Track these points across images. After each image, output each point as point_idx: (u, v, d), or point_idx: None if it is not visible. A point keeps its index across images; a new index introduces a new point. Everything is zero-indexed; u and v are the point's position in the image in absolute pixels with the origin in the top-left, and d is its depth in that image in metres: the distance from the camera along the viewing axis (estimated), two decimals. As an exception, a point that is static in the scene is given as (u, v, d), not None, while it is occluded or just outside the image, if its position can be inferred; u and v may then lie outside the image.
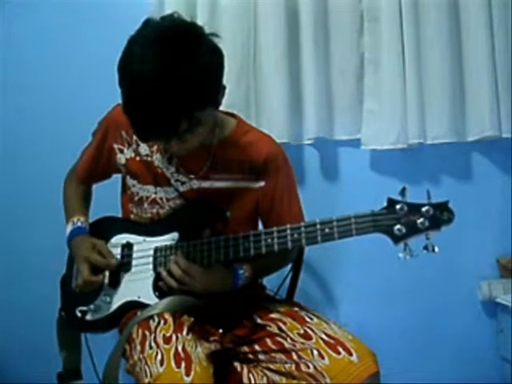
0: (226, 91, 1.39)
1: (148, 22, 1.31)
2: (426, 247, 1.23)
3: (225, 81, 1.37)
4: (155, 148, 1.52)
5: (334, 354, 1.33)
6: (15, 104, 2.14)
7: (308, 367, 1.34)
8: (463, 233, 2.06)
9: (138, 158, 1.54)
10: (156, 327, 1.36)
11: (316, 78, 2.08)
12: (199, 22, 1.37)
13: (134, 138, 1.52)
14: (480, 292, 2.23)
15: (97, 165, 1.61)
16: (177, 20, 1.32)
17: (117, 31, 2.07)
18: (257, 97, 2.10)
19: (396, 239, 1.25)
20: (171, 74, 1.22)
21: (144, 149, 1.53)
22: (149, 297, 1.46)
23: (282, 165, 1.56)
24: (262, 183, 1.52)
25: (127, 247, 1.54)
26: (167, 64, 1.22)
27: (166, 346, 1.29)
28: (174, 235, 1.49)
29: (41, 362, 2.02)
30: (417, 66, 2.08)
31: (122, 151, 1.55)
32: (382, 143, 2.12)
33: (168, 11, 1.94)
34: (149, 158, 1.53)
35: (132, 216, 1.57)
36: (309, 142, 2.11)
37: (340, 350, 1.33)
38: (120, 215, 1.64)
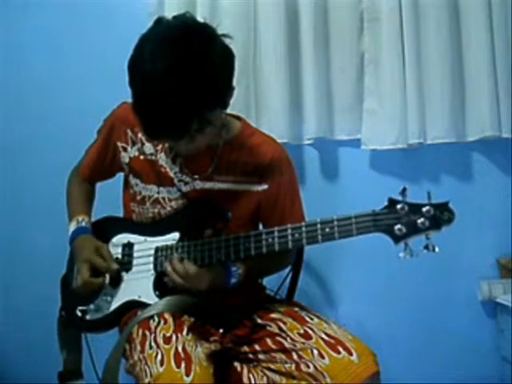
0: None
1: (160, 21, 1.31)
2: (426, 247, 1.23)
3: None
4: (160, 147, 1.52)
5: (334, 354, 1.33)
6: (16, 104, 2.15)
7: (308, 367, 1.34)
8: (463, 233, 2.07)
9: (142, 157, 1.54)
10: (156, 327, 1.36)
11: (316, 78, 2.08)
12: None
13: (139, 136, 1.53)
14: (480, 292, 2.23)
15: (101, 163, 1.61)
16: (189, 20, 1.31)
17: (117, 31, 2.10)
18: (257, 97, 2.10)
19: (396, 239, 1.25)
20: (184, 73, 1.22)
21: (149, 148, 1.53)
22: (149, 296, 1.46)
23: (287, 168, 1.56)
24: (265, 186, 1.53)
25: (128, 247, 1.54)
26: (180, 63, 1.22)
27: (166, 346, 1.29)
28: (175, 235, 1.48)
29: (41, 361, 2.02)
30: (417, 66, 2.08)
31: (125, 149, 1.55)
32: (382, 143, 2.12)
33: (168, 11, 1.97)
34: (153, 157, 1.53)
35: (134, 215, 1.57)
36: (309, 142, 2.11)
37: (340, 349, 1.33)
38: (121, 214, 1.64)
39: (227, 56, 1.32)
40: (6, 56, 2.14)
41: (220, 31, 1.32)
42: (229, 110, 1.54)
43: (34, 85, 2.13)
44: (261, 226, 1.60)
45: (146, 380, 1.25)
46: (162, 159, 1.52)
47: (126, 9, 2.11)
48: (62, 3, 2.12)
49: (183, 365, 1.23)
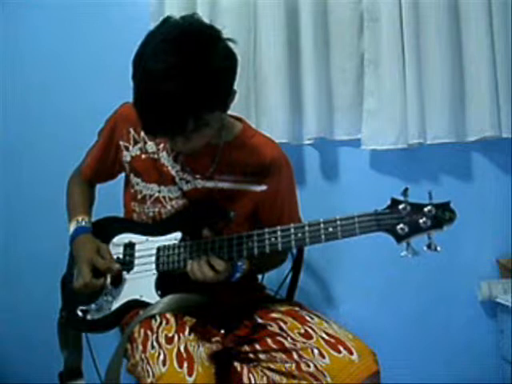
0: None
1: (167, 20, 1.31)
2: (429, 246, 1.24)
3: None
4: (162, 146, 1.53)
5: (335, 353, 1.33)
6: (15, 104, 2.15)
7: (309, 366, 1.34)
8: (463, 233, 2.07)
9: (143, 156, 1.54)
10: (158, 327, 1.36)
11: (316, 78, 2.08)
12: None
13: (142, 135, 1.53)
14: (480, 292, 2.23)
15: (104, 163, 1.61)
16: (195, 21, 1.32)
17: (117, 31, 2.10)
18: (257, 97, 2.10)
19: (399, 238, 1.25)
20: (183, 73, 1.22)
21: (151, 146, 1.53)
22: (151, 296, 1.46)
23: (286, 169, 1.57)
24: (264, 187, 1.53)
25: (129, 246, 1.54)
26: (180, 63, 1.23)
27: (168, 346, 1.29)
28: (177, 235, 1.48)
29: (41, 361, 2.02)
30: (417, 66, 2.08)
31: (127, 148, 1.55)
32: (382, 143, 2.12)
33: (168, 11, 1.97)
34: (155, 156, 1.53)
35: (134, 214, 1.57)
36: (309, 142, 2.11)
37: (341, 349, 1.33)
38: (122, 214, 1.63)
39: (229, 60, 1.32)
40: (4, 57, 2.14)
41: (225, 35, 1.32)
42: (228, 110, 1.54)
43: (33, 86, 2.13)
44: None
45: (149, 380, 1.25)
46: (164, 157, 1.53)
47: (126, 8, 2.11)
48: (61, 3, 2.12)
49: (185, 365, 1.24)
